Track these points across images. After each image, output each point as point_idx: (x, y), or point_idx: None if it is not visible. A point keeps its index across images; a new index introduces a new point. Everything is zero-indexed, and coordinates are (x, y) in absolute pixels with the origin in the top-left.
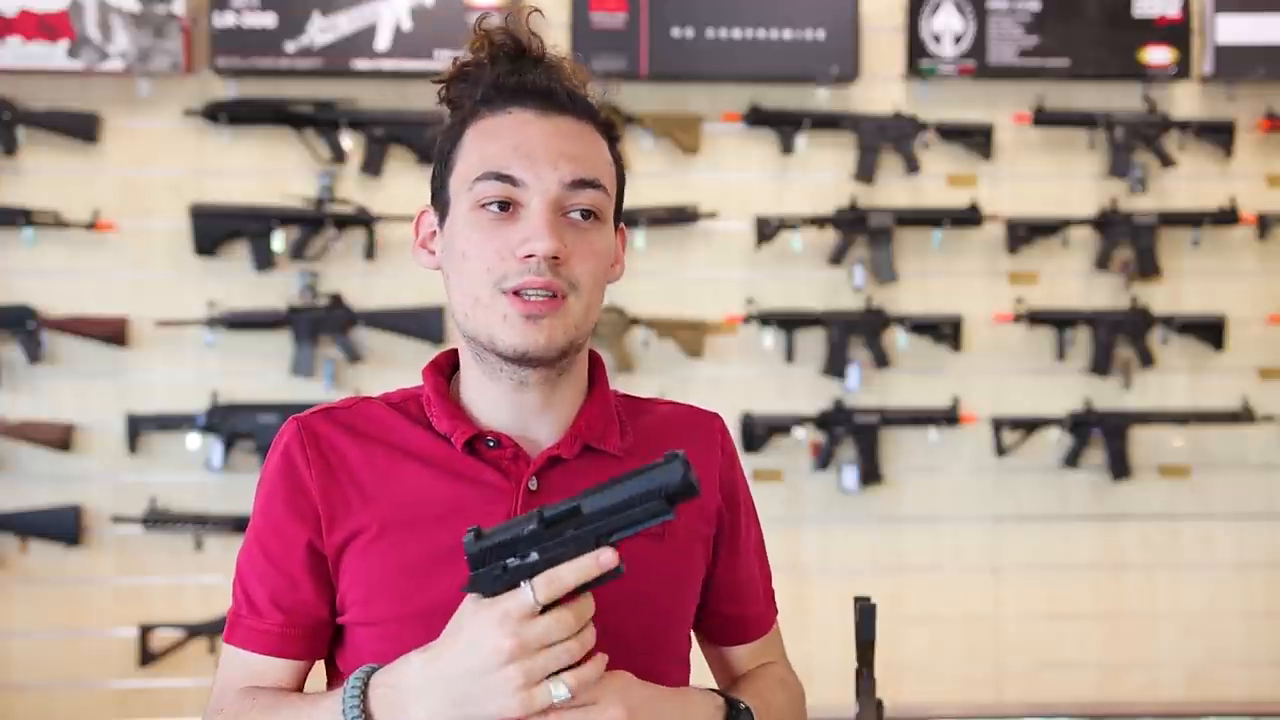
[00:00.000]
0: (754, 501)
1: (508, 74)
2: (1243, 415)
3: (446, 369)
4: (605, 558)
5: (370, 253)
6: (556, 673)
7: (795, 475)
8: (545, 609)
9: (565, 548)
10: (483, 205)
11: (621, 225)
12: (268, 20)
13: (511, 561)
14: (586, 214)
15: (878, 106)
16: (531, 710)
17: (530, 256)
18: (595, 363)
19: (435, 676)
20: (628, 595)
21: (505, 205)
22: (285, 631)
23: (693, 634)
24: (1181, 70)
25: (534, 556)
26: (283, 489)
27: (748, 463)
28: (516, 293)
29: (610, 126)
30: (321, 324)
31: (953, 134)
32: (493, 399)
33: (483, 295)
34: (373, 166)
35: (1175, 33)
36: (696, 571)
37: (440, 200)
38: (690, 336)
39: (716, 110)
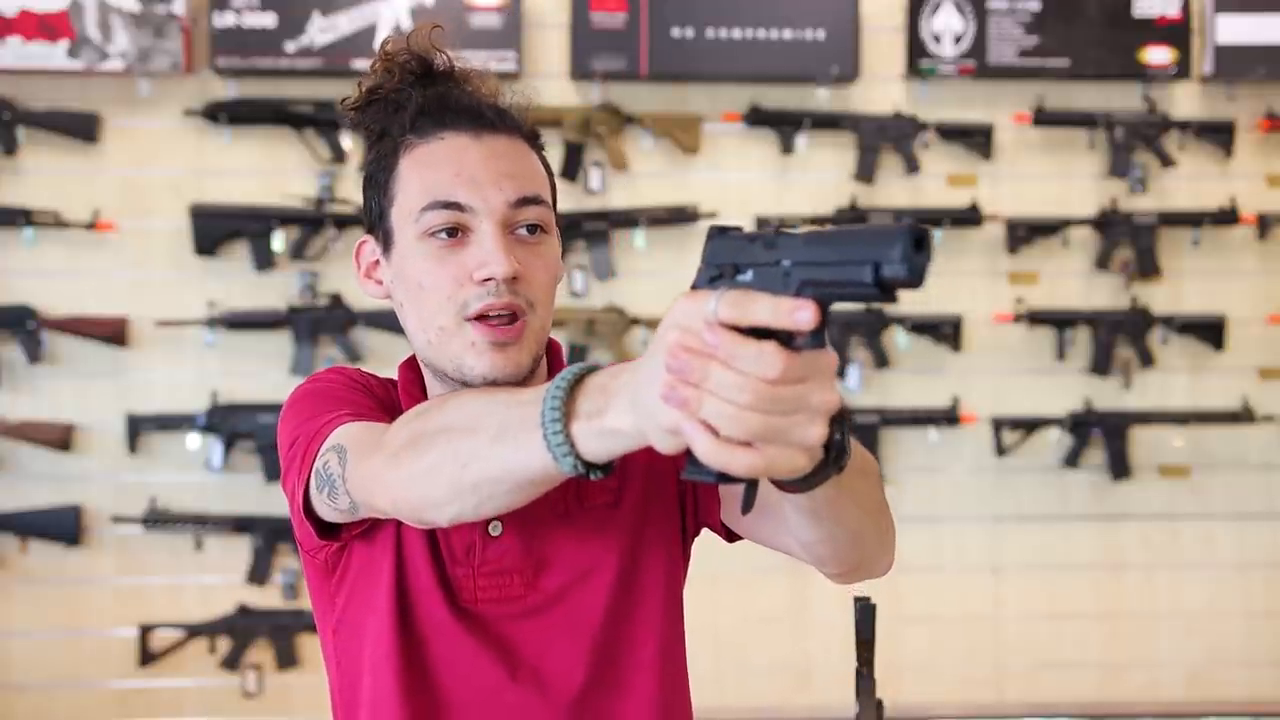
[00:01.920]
0: None
1: (434, 98)
2: (1243, 415)
3: (419, 368)
4: (802, 314)
5: None
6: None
7: None
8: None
9: (773, 284)
10: (431, 234)
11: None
12: (268, 20)
13: (730, 270)
14: (533, 229)
15: (878, 106)
16: (670, 418)
17: (488, 280)
18: (553, 352)
19: (634, 372)
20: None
21: (453, 231)
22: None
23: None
24: (1181, 70)
25: (749, 275)
26: (342, 382)
27: None
28: (480, 318)
29: (534, 134)
30: (321, 324)
31: (953, 134)
32: None
33: (447, 324)
34: None
35: (1175, 33)
36: (656, 532)
37: (381, 230)
38: None
39: (716, 110)
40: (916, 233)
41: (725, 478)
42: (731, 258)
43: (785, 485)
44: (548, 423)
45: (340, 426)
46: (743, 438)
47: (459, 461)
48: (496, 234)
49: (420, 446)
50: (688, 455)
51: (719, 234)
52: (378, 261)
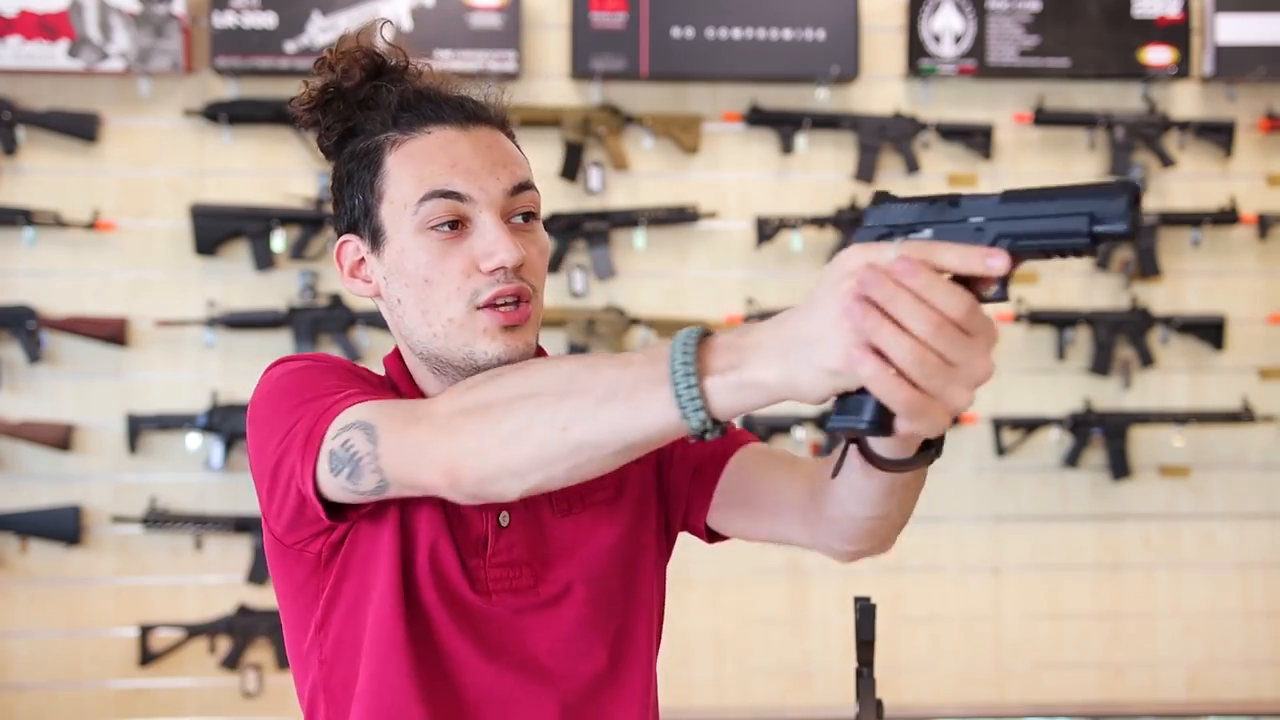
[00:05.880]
0: None
1: (414, 94)
2: (1243, 415)
3: (404, 362)
4: (996, 261)
5: None
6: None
7: None
8: None
9: (963, 236)
10: (432, 227)
11: None
12: (268, 20)
13: (902, 232)
14: (527, 216)
15: (878, 106)
16: (849, 366)
17: (497, 269)
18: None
19: (777, 326)
20: (603, 550)
21: (454, 224)
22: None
23: (726, 529)
24: (1181, 70)
25: (926, 234)
26: (336, 366)
27: None
28: (490, 306)
29: (506, 123)
30: (321, 324)
31: (953, 134)
32: None
33: (457, 315)
34: None
35: (1175, 33)
36: (650, 527)
37: (369, 228)
38: None
39: (716, 110)
40: (1136, 190)
41: (877, 427)
42: (903, 220)
43: (889, 465)
44: (679, 378)
45: (355, 405)
46: (915, 378)
47: (556, 425)
48: (499, 223)
49: (494, 414)
50: (837, 404)
51: (884, 199)
52: (363, 260)
